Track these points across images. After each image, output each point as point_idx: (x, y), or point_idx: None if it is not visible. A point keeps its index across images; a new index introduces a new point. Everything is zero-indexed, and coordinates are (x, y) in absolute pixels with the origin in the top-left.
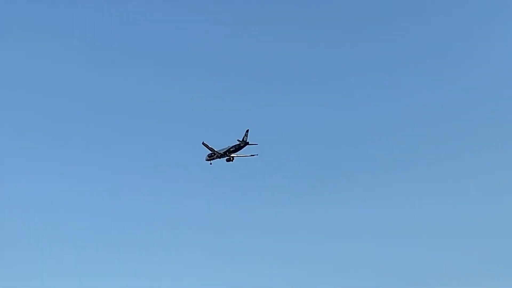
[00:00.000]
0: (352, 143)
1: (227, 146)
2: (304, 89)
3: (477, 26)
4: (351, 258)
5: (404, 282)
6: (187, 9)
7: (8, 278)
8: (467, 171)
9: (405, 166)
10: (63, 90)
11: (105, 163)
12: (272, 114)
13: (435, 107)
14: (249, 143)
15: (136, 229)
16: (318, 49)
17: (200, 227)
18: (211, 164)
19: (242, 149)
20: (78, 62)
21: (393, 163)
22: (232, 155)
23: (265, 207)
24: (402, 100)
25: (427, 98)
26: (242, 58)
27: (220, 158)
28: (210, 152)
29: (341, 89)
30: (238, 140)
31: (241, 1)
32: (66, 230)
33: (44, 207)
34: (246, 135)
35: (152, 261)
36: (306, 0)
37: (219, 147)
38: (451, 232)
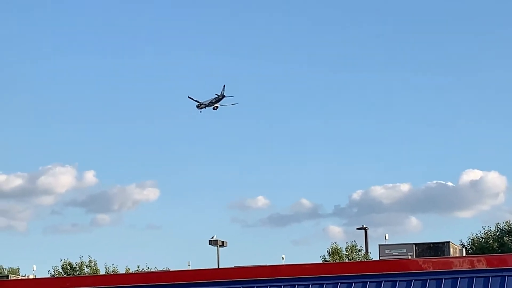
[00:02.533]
0: None
1: (210, 98)
2: None
3: None
4: None
5: None
6: None
7: None
8: None
9: None
10: None
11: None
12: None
13: None
14: (225, 96)
15: None
16: None
17: None
18: (201, 112)
19: (222, 100)
20: None
21: None
22: (216, 105)
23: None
24: None
25: None
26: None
27: (206, 108)
28: (197, 103)
29: None
30: (216, 94)
31: None
32: None
33: None
34: (223, 89)
35: None
36: None
37: (202, 99)
38: None
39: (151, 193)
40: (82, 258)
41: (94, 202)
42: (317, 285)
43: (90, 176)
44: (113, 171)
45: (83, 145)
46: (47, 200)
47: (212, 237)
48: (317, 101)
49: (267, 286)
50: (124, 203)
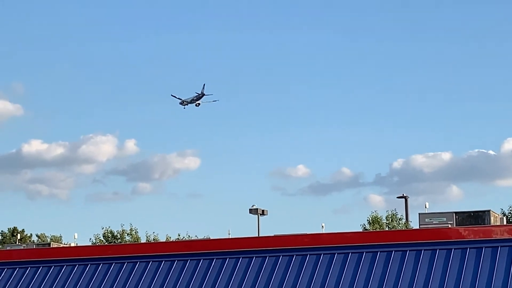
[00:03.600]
0: None
1: (191, 96)
2: None
3: None
4: None
5: None
6: None
7: None
8: None
9: None
10: None
11: None
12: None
13: None
14: (205, 94)
15: None
16: None
17: None
18: (184, 108)
19: (202, 98)
20: None
21: None
22: (197, 102)
23: None
24: None
25: None
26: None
27: (189, 104)
28: (180, 100)
29: None
30: (196, 92)
31: None
32: None
33: None
34: (203, 88)
35: None
36: None
37: (183, 97)
38: None
39: (192, 162)
40: (123, 226)
41: (135, 170)
42: (357, 254)
43: (131, 145)
44: (154, 140)
45: (124, 114)
46: (89, 169)
47: (253, 206)
48: (358, 69)
49: (307, 255)
50: (164, 171)
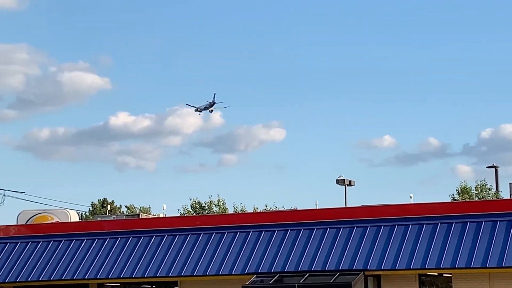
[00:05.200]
0: None
1: (204, 104)
2: None
3: None
4: None
5: None
6: None
7: None
8: None
9: None
10: None
11: None
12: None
13: None
14: (216, 102)
15: None
16: None
17: None
18: (200, 114)
19: (214, 105)
20: None
21: None
22: (211, 109)
23: None
24: None
25: None
26: None
27: (203, 111)
28: (194, 108)
29: None
30: (207, 101)
31: None
32: None
33: None
34: (214, 96)
35: None
36: None
37: (197, 105)
38: None
39: (278, 133)
40: (211, 197)
41: (221, 142)
42: (446, 224)
43: (216, 117)
44: (239, 111)
45: (209, 86)
46: (175, 140)
47: (340, 177)
48: (442, 33)
49: (395, 225)
50: (250, 143)
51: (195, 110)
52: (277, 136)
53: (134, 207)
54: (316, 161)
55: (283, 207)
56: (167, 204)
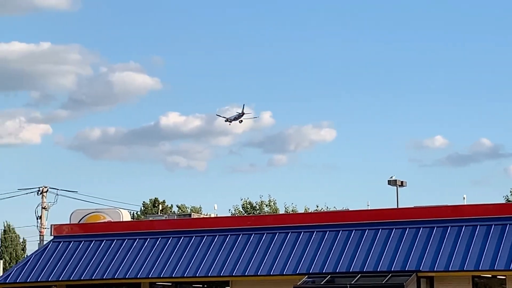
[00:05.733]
0: None
1: (234, 115)
2: None
3: None
4: None
5: None
6: None
7: None
8: None
9: None
10: None
11: None
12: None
13: None
14: (245, 113)
15: None
16: None
17: None
18: (230, 124)
19: (243, 116)
20: None
21: None
22: (240, 119)
23: None
24: None
25: None
26: None
27: (233, 121)
28: (225, 119)
29: None
30: (237, 112)
31: None
32: None
33: None
34: (243, 107)
35: None
36: None
37: (227, 116)
38: None
39: (328, 134)
40: (262, 197)
41: (271, 142)
42: (500, 226)
43: (266, 117)
44: (290, 111)
45: (259, 86)
46: (225, 140)
47: (391, 177)
48: (499, 32)
49: (448, 226)
50: (300, 143)
51: (225, 121)
52: (327, 136)
53: (185, 207)
54: (367, 161)
55: (334, 207)
56: (217, 204)
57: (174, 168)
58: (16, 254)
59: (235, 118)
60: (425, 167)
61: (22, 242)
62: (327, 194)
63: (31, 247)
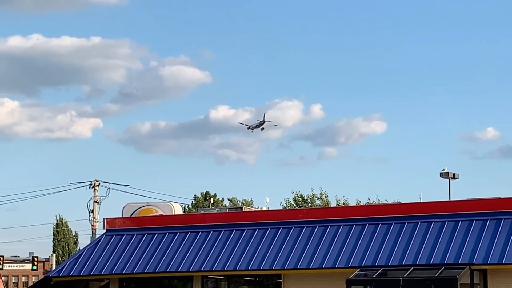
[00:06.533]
0: None
1: (255, 122)
2: None
3: None
4: None
5: None
6: None
7: None
8: None
9: None
10: None
11: None
12: None
13: None
14: (266, 121)
15: None
16: None
17: None
18: (252, 131)
19: (264, 124)
20: None
21: None
22: (262, 126)
23: None
24: None
25: None
26: None
27: (254, 129)
28: (247, 126)
29: None
30: (258, 120)
31: None
32: None
33: None
34: (264, 115)
35: None
36: None
37: (249, 124)
38: None
39: (378, 126)
40: (313, 190)
41: (321, 135)
42: None
43: (317, 110)
44: (340, 104)
45: (310, 78)
46: (275, 133)
47: (443, 169)
48: None
49: (501, 219)
50: (350, 136)
51: (248, 128)
52: (377, 129)
53: (236, 200)
54: (417, 154)
55: (386, 200)
56: (268, 197)
57: (224, 162)
58: (68, 247)
59: (257, 126)
60: (477, 159)
61: (74, 236)
62: (377, 187)
63: (83, 241)
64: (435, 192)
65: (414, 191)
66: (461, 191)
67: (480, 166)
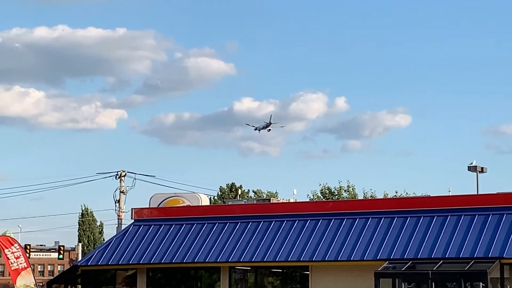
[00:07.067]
0: None
1: (262, 124)
2: None
3: None
4: None
5: None
6: None
7: None
8: None
9: None
10: None
11: None
12: None
13: None
14: (272, 122)
15: None
16: None
17: None
18: (259, 132)
19: (271, 125)
20: None
21: None
22: (268, 128)
23: None
24: None
25: None
26: None
27: (261, 130)
28: (254, 128)
29: None
30: (264, 122)
31: None
32: None
33: None
34: (270, 118)
35: None
36: None
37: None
38: None
39: (402, 120)
40: (340, 183)
41: (345, 128)
42: None
43: (341, 103)
44: (364, 97)
45: (334, 71)
46: (299, 126)
47: (471, 163)
48: None
49: None
50: (374, 129)
51: (255, 129)
52: (402, 122)
53: (261, 192)
54: (442, 147)
55: (414, 193)
56: (292, 189)
57: (248, 154)
58: (93, 237)
59: (264, 127)
60: (502, 153)
61: (99, 226)
62: (401, 180)
63: (108, 231)
64: (461, 186)
65: (439, 185)
66: (488, 186)
67: (506, 161)
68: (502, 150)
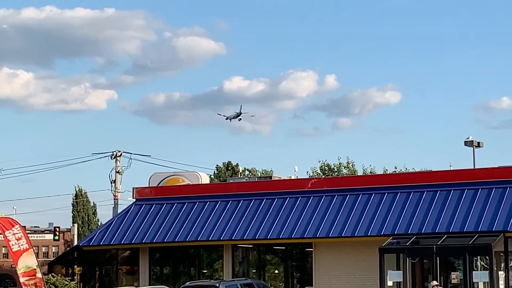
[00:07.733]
0: None
1: (233, 114)
2: None
3: None
4: None
5: None
6: None
7: None
8: None
9: None
10: None
11: None
12: None
13: None
14: (242, 113)
15: None
16: None
17: None
18: (230, 121)
19: (241, 115)
20: None
21: None
22: (239, 118)
23: None
24: None
25: None
26: None
27: (232, 120)
28: (225, 117)
29: None
30: (235, 111)
31: None
32: None
33: None
34: (240, 108)
35: None
36: None
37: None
38: None
39: (392, 97)
40: (340, 159)
41: (335, 106)
42: None
43: (331, 80)
44: (354, 75)
45: (324, 49)
46: (289, 104)
47: (468, 138)
48: None
49: None
50: (365, 106)
51: (226, 119)
52: (392, 99)
53: (256, 170)
54: (433, 124)
55: (413, 168)
56: (286, 167)
57: (239, 133)
58: (88, 218)
59: (234, 117)
60: (492, 129)
61: (92, 207)
62: (393, 157)
63: (103, 212)
64: (457, 161)
65: (434, 161)
66: (483, 160)
67: (497, 135)
68: (492, 126)
